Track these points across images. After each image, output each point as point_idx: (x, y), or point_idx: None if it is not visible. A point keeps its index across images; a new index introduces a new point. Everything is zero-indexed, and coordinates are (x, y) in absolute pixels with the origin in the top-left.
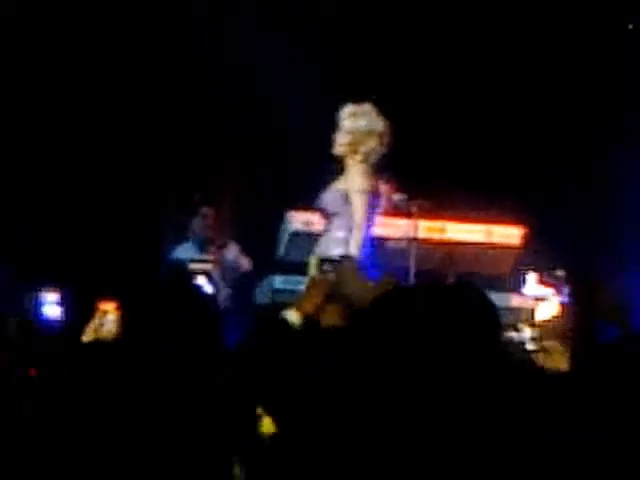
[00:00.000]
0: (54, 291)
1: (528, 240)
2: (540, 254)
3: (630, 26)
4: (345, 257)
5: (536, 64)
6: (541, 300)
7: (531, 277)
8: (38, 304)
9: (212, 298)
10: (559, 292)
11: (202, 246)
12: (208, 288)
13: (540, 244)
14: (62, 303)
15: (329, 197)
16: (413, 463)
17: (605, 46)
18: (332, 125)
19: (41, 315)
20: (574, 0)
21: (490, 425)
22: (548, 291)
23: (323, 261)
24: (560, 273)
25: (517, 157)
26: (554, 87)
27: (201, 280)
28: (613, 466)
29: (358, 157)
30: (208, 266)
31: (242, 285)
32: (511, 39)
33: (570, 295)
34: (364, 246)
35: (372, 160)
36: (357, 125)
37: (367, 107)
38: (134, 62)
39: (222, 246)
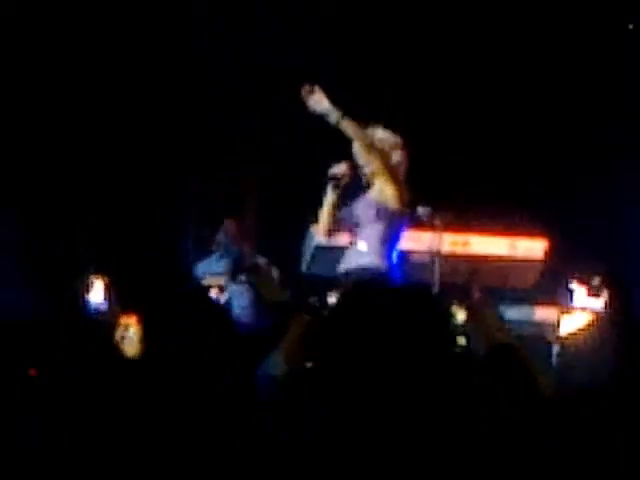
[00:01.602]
0: (100, 278)
1: (557, 252)
2: (576, 265)
3: (630, 26)
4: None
5: (537, 65)
6: (576, 311)
7: (579, 290)
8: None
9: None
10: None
11: (229, 259)
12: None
13: (573, 255)
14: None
15: (361, 207)
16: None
17: (605, 46)
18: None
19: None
20: (574, 0)
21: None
22: (599, 303)
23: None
24: (596, 281)
25: (539, 168)
26: (555, 87)
27: (214, 293)
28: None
29: (390, 169)
30: (221, 280)
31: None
32: (512, 43)
33: (609, 303)
34: (391, 258)
35: (401, 174)
36: (379, 140)
37: (376, 127)
38: (145, 72)
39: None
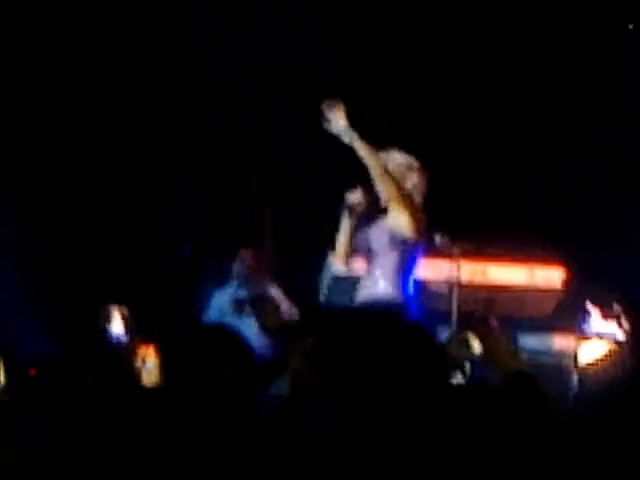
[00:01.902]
0: (119, 309)
1: (577, 279)
2: (594, 293)
3: (630, 26)
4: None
5: (538, 70)
6: (594, 339)
7: (595, 313)
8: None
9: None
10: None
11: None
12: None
13: (591, 283)
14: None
15: (375, 235)
16: None
17: (605, 46)
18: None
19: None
20: (574, 0)
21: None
22: (614, 327)
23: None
24: (616, 308)
25: (557, 196)
26: (555, 96)
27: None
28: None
29: (405, 195)
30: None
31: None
32: (512, 45)
33: (629, 330)
34: (407, 288)
35: (418, 199)
36: (395, 164)
37: (393, 150)
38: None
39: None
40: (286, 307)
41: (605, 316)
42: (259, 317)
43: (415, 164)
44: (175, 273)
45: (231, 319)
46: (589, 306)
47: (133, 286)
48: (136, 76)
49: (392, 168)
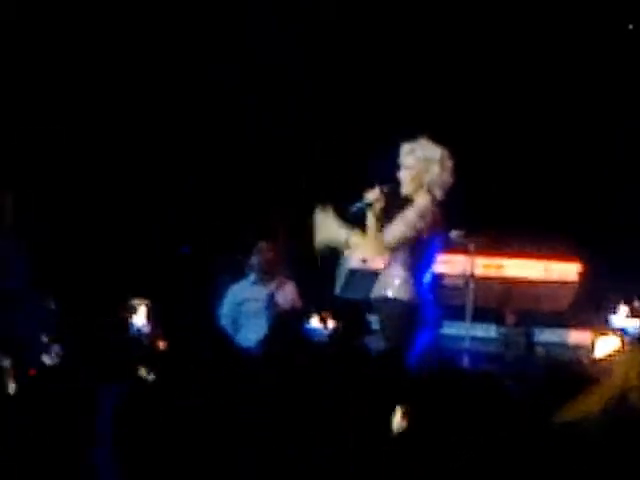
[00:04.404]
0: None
1: (593, 273)
2: (610, 287)
3: (630, 26)
4: None
5: (537, 70)
6: (610, 334)
7: (623, 309)
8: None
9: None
10: None
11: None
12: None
13: (607, 277)
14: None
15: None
16: None
17: (605, 46)
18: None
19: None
20: (574, 0)
21: None
22: (637, 323)
23: None
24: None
25: (572, 190)
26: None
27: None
28: None
29: (424, 189)
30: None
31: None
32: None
33: None
34: (423, 284)
35: (439, 192)
36: (416, 157)
37: (422, 140)
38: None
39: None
40: (298, 304)
41: (633, 313)
42: None
43: (436, 156)
44: (191, 267)
45: (244, 316)
46: (618, 301)
47: (154, 281)
48: (140, 78)
49: (412, 164)
